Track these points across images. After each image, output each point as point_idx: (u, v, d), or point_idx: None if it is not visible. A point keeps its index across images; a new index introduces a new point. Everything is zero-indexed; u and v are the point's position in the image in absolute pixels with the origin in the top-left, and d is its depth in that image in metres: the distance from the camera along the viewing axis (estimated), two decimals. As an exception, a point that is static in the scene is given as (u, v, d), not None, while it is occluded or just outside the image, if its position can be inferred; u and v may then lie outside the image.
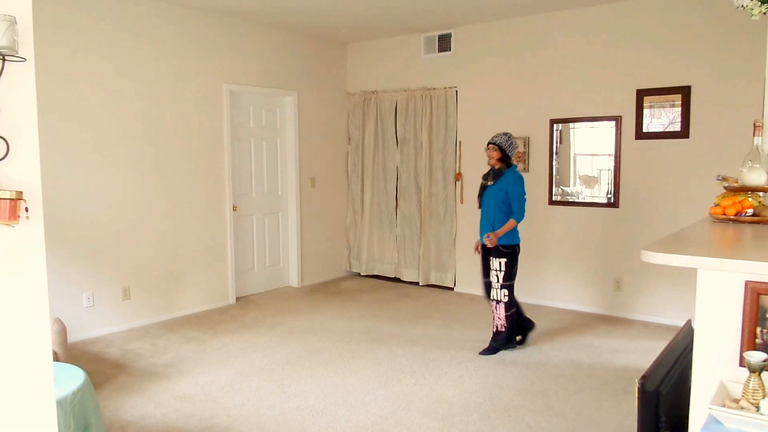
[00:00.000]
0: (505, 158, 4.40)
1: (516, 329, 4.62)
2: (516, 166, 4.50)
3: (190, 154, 5.62)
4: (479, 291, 6.43)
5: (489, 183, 4.47)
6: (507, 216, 4.39)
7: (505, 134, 4.43)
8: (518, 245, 4.49)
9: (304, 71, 6.72)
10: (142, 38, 5.19)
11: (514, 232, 4.43)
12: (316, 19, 5.99)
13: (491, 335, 4.61)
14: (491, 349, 4.52)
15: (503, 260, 4.41)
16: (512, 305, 4.50)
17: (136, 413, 3.52)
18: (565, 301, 5.89)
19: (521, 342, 4.70)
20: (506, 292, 4.44)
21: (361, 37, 6.93)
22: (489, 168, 4.55)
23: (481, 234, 4.52)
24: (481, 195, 4.56)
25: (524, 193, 4.43)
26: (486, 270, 4.58)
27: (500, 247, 4.40)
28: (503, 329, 4.49)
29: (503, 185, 4.39)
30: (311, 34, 6.72)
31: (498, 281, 4.43)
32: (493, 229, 4.40)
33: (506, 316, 4.46)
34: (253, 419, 3.44)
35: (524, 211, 4.42)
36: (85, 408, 2.64)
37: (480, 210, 4.57)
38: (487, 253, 4.53)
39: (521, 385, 3.93)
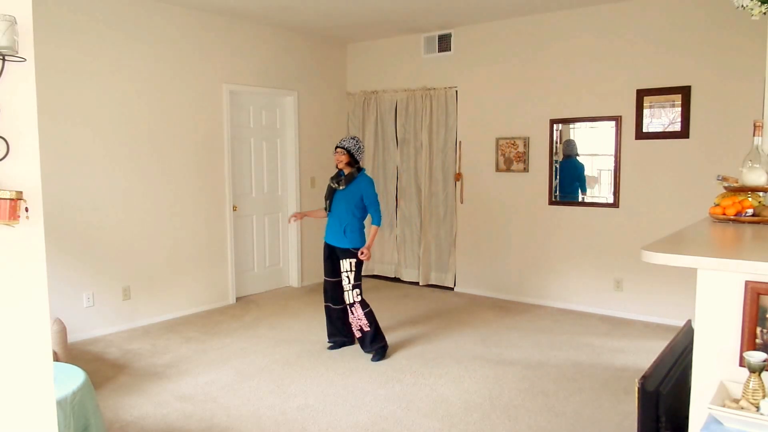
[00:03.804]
0: (353, 162, 4.47)
1: (349, 331, 4.62)
2: (365, 170, 4.57)
3: (190, 154, 5.62)
4: (480, 291, 6.46)
5: (340, 187, 4.47)
6: (359, 220, 4.47)
7: (353, 138, 4.52)
8: None
9: (304, 71, 6.72)
10: (142, 38, 5.19)
11: (362, 234, 4.50)
12: (316, 19, 5.99)
13: (359, 342, 4.55)
14: (378, 352, 4.44)
15: (353, 260, 4.42)
16: (367, 304, 4.50)
17: (136, 413, 3.52)
18: (565, 301, 5.89)
19: (334, 346, 4.67)
20: (358, 291, 4.46)
21: (361, 37, 6.93)
22: (337, 171, 4.57)
23: (328, 236, 4.54)
24: (329, 197, 4.55)
25: (377, 195, 4.49)
26: (334, 270, 4.56)
27: (350, 249, 4.44)
28: (368, 328, 4.44)
29: (357, 190, 4.43)
30: (311, 34, 6.72)
31: (349, 282, 4.44)
32: (345, 234, 4.42)
33: (365, 314, 4.44)
34: (253, 419, 3.44)
35: (381, 212, 4.48)
36: (85, 408, 2.64)
37: (328, 213, 4.56)
38: (332, 254, 4.54)
39: (521, 385, 3.93)
